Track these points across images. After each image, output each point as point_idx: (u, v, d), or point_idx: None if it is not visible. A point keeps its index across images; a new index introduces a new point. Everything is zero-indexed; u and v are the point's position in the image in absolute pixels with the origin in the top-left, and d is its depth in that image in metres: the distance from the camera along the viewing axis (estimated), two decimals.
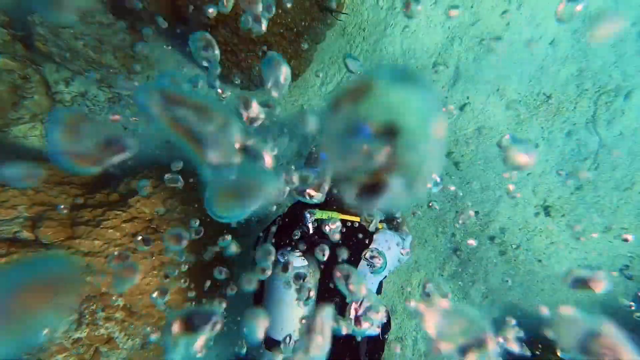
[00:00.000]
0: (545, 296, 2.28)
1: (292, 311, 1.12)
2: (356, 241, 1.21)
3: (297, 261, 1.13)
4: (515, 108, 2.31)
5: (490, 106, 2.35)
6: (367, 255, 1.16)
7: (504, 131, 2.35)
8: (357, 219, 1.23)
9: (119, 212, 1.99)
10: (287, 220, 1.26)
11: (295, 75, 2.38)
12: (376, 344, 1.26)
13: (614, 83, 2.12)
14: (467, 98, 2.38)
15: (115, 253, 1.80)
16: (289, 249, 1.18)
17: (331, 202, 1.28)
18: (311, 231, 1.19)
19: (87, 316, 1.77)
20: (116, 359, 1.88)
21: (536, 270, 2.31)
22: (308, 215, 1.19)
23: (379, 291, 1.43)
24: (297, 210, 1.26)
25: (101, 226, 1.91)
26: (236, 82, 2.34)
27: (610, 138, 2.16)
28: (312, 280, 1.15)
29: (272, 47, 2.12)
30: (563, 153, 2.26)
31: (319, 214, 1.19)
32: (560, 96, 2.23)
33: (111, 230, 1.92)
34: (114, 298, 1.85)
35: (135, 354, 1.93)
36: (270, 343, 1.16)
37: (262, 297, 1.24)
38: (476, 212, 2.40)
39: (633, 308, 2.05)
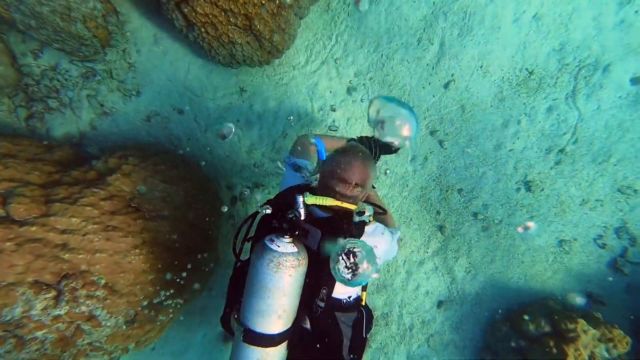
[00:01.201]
0: (525, 268, 2.36)
1: (275, 300, 1.03)
2: (347, 229, 1.12)
3: (287, 247, 1.04)
4: (498, 85, 2.32)
5: (474, 83, 2.36)
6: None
7: (487, 109, 2.37)
8: (353, 207, 1.16)
9: (96, 190, 1.93)
10: (275, 205, 1.18)
11: (278, 52, 2.32)
12: (359, 343, 1.22)
13: (593, 57, 2.14)
14: (452, 75, 2.38)
15: None
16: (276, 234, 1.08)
17: (326, 190, 1.21)
18: (302, 217, 1.11)
19: (66, 293, 1.73)
20: (99, 336, 1.86)
21: (517, 244, 2.37)
22: (300, 200, 1.11)
23: (364, 288, 1.38)
24: (287, 195, 1.18)
25: (78, 203, 1.86)
26: (218, 59, 2.27)
27: (589, 112, 2.21)
28: (301, 269, 1.06)
29: (252, 20, 2.05)
30: (543, 129, 2.30)
31: (312, 199, 1.12)
32: (541, 71, 2.25)
33: (89, 208, 1.87)
34: (94, 276, 1.82)
35: (119, 331, 1.91)
36: (251, 336, 1.05)
37: (239, 285, 1.14)
38: (459, 190, 2.44)
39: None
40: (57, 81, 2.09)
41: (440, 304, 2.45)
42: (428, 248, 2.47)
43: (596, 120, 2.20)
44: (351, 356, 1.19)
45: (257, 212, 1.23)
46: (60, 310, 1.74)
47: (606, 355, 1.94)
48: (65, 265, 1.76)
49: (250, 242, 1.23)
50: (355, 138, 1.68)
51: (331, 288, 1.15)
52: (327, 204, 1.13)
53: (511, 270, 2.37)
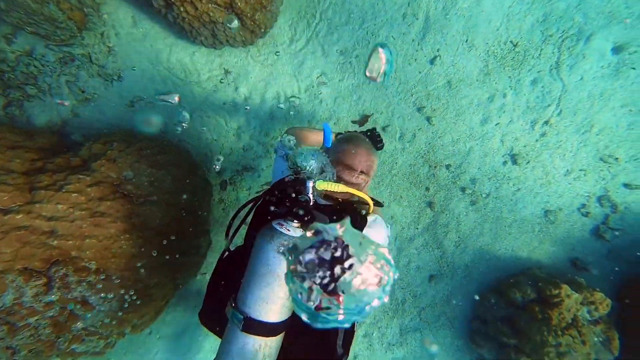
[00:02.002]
0: (513, 240, 2.42)
1: (281, 287, 0.98)
2: (353, 217, 1.08)
3: (297, 232, 1.00)
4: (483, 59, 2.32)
5: (460, 58, 2.35)
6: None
7: (473, 83, 2.37)
8: (364, 195, 1.13)
9: (82, 176, 1.91)
10: (277, 191, 1.14)
11: (261, 31, 2.28)
12: (351, 335, 1.21)
13: (576, 27, 2.15)
14: (438, 50, 2.37)
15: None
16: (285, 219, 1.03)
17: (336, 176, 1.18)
18: (312, 202, 1.07)
19: (56, 280, 1.73)
20: (93, 320, 1.87)
21: (504, 216, 2.42)
22: (309, 185, 1.07)
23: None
24: (290, 181, 1.15)
25: (64, 190, 1.84)
26: (200, 40, 2.22)
27: (572, 83, 2.23)
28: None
29: None
30: (529, 101, 2.32)
31: (323, 184, 1.08)
32: (526, 44, 2.25)
33: (75, 194, 1.86)
34: (85, 262, 1.82)
35: (114, 315, 1.93)
36: (251, 325, 0.99)
37: (234, 273, 1.10)
38: (448, 166, 2.46)
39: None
40: (33, 67, 2.02)
41: (431, 277, 2.51)
42: (418, 224, 2.52)
43: (579, 91, 2.23)
44: (343, 349, 1.19)
45: (257, 198, 1.20)
46: (52, 297, 1.74)
47: (588, 317, 2.03)
48: (54, 251, 1.76)
49: (247, 229, 1.20)
50: (343, 133, 1.67)
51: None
52: (339, 190, 1.09)
53: (499, 242, 2.43)
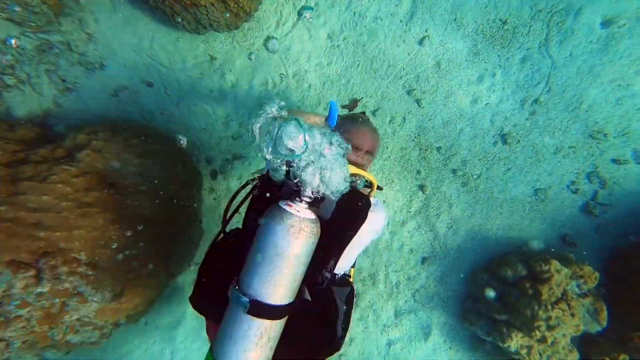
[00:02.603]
0: (504, 219, 2.44)
1: (290, 269, 0.95)
2: (360, 200, 1.07)
3: (306, 213, 0.97)
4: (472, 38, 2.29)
5: (449, 38, 2.32)
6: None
7: (462, 63, 2.35)
8: (369, 176, 1.12)
9: (67, 167, 1.88)
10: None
11: (246, 14, 2.22)
12: (349, 318, 1.20)
13: (565, 1, 2.12)
14: (426, 31, 2.33)
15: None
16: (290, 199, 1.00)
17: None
18: None
19: (46, 271, 1.72)
20: (87, 311, 1.87)
21: (495, 196, 2.44)
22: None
23: (353, 265, 1.37)
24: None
25: (48, 181, 1.81)
26: (182, 24, 2.16)
27: (561, 60, 2.21)
28: (317, 238, 0.99)
29: None
30: (518, 80, 2.30)
31: None
32: (515, 20, 2.22)
33: (60, 185, 1.82)
34: (74, 253, 1.80)
35: (107, 306, 1.93)
36: (258, 308, 0.95)
37: (234, 255, 1.08)
38: (438, 148, 2.46)
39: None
40: (10, 56, 1.96)
41: (424, 259, 2.53)
42: (410, 208, 2.52)
43: (568, 68, 2.21)
44: (342, 332, 1.18)
45: (258, 178, 1.16)
46: (42, 288, 1.73)
47: (577, 290, 2.06)
48: (42, 243, 1.74)
49: (245, 211, 1.16)
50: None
51: (337, 260, 1.13)
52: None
53: (490, 222, 2.45)
